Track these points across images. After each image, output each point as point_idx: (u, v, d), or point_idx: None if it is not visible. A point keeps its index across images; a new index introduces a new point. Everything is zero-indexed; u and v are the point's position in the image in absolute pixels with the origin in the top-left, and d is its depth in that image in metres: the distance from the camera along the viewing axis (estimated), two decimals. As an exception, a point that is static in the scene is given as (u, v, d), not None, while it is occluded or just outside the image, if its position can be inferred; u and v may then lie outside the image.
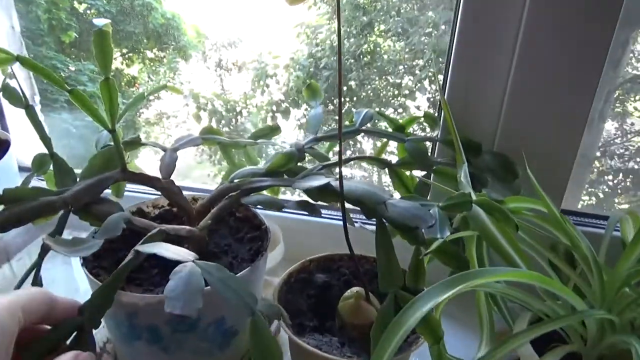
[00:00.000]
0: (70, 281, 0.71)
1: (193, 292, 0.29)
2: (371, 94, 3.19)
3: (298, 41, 3.15)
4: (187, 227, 0.44)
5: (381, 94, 3.16)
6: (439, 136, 0.58)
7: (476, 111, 0.56)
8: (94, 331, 0.54)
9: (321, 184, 0.43)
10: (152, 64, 3.59)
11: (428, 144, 0.62)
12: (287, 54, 3.15)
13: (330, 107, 3.14)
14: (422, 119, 0.59)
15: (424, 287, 0.43)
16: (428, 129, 0.61)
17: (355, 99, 3.20)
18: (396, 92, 3.13)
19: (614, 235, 0.48)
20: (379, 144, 0.63)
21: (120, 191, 0.59)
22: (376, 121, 0.70)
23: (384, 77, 3.08)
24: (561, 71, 0.52)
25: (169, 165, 0.49)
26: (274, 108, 3.04)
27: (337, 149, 0.52)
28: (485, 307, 0.46)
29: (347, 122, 0.57)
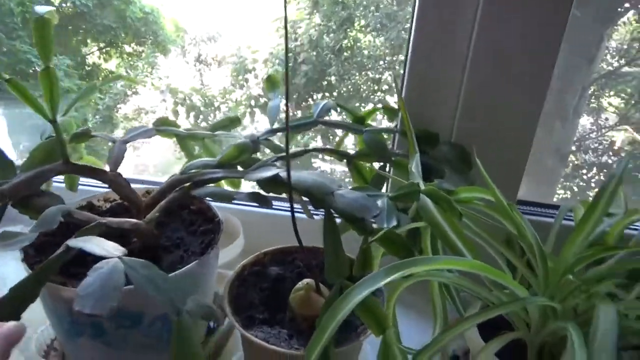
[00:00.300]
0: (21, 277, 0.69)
1: (108, 290, 0.28)
2: (351, 89, 3.19)
3: (277, 35, 3.13)
4: (132, 220, 0.43)
5: (361, 89, 3.17)
6: (395, 128, 0.58)
7: (434, 102, 0.56)
8: (40, 329, 0.53)
9: (270, 175, 0.43)
10: (130, 58, 3.52)
11: (390, 135, 0.62)
12: (266, 49, 3.13)
13: (310, 101, 3.13)
14: (382, 110, 0.59)
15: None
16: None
17: (335, 94, 3.19)
18: (376, 88, 3.14)
19: (567, 225, 0.49)
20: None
21: (74, 185, 0.58)
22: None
23: (363, 72, 3.09)
24: (517, 62, 0.52)
25: (117, 157, 0.47)
26: (253, 103, 3.02)
27: (299, 140, 0.51)
28: (438, 297, 0.46)
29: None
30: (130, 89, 3.37)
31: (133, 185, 0.51)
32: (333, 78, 3.04)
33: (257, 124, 3.02)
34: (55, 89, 0.42)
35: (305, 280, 0.46)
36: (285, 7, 0.39)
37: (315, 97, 3.06)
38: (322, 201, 0.40)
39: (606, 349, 0.31)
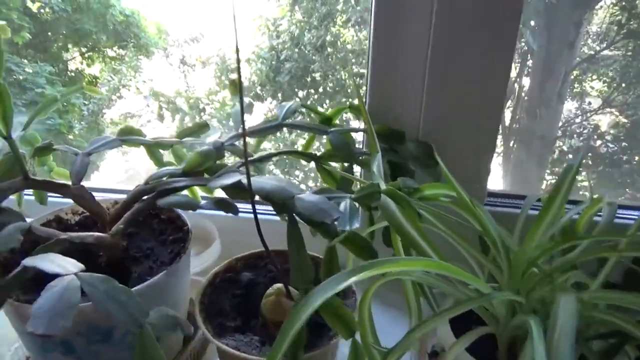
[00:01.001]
0: None
1: (61, 310, 0.28)
2: (336, 84, 3.19)
3: (259, 33, 3.11)
4: (95, 234, 0.42)
5: (346, 85, 3.16)
6: (360, 128, 0.58)
7: (399, 100, 0.56)
8: (14, 346, 0.52)
9: (232, 182, 0.43)
10: (113, 62, 3.48)
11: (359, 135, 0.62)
12: (248, 48, 3.11)
13: (296, 99, 3.12)
14: (348, 109, 0.58)
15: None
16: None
17: (320, 90, 3.19)
18: (361, 82, 3.13)
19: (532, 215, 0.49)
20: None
21: (44, 198, 0.57)
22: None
23: (347, 67, 3.08)
24: (476, 53, 0.52)
25: (79, 171, 0.47)
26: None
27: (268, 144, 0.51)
28: (412, 294, 0.46)
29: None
30: (114, 93, 3.34)
31: (101, 197, 0.51)
32: (317, 74, 3.03)
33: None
34: (8, 104, 0.42)
35: (276, 285, 0.46)
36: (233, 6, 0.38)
37: (300, 94, 3.05)
38: (283, 206, 0.40)
39: (565, 340, 0.31)
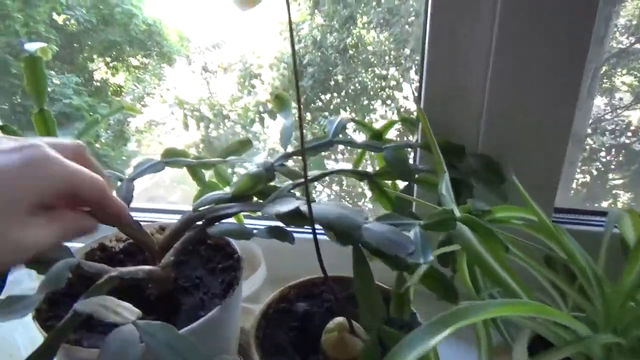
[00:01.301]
0: (29, 329, 0.60)
1: None
2: (359, 87, 3.15)
3: (281, 38, 3.10)
4: (146, 268, 0.40)
5: (368, 87, 3.12)
6: (418, 141, 0.54)
7: (457, 111, 0.53)
8: None
9: (290, 210, 0.39)
10: (137, 71, 3.53)
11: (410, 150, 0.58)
12: (271, 53, 3.10)
13: (319, 103, 3.10)
14: (400, 123, 0.55)
15: (408, 319, 0.40)
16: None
17: (343, 93, 3.15)
18: (383, 84, 3.09)
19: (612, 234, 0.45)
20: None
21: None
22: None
23: (370, 69, 3.04)
24: (544, 57, 0.48)
25: (125, 198, 0.45)
26: (261, 108, 3.00)
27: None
28: (481, 326, 0.42)
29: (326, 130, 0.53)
30: (139, 102, 3.38)
31: (146, 221, 0.49)
32: (340, 77, 3.00)
33: (267, 129, 2.99)
34: (52, 130, 0.40)
35: (337, 320, 0.43)
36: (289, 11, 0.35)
37: (323, 97, 3.03)
38: (348, 236, 0.37)
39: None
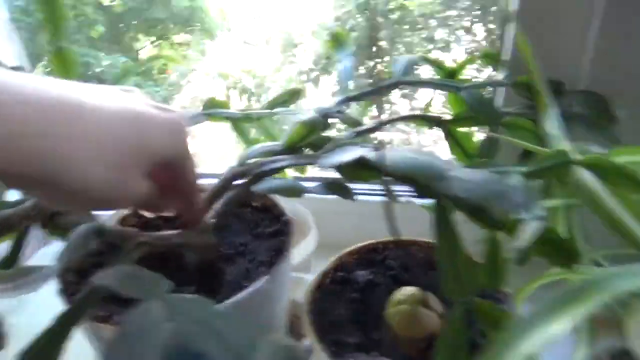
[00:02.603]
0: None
1: (142, 352, 0.19)
2: (404, 51, 2.99)
3: (323, 5, 2.98)
4: (182, 233, 0.34)
5: (414, 51, 2.96)
6: (505, 79, 0.45)
7: (554, 39, 0.42)
8: None
9: (354, 158, 0.32)
10: (180, 48, 3.54)
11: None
12: (312, 20, 2.99)
13: (362, 70, 2.98)
14: (481, 59, 0.45)
15: (504, 289, 0.32)
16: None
17: (387, 58, 3.01)
18: (430, 47, 2.92)
19: None
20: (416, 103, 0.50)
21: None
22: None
23: (416, 32, 2.88)
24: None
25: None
26: (304, 77, 2.92)
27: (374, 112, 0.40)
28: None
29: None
30: (184, 79, 3.39)
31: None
32: (384, 42, 2.86)
33: (305, 99, 2.91)
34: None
35: (408, 289, 0.35)
36: None
37: (367, 64, 2.90)
38: (430, 188, 0.29)
39: None
